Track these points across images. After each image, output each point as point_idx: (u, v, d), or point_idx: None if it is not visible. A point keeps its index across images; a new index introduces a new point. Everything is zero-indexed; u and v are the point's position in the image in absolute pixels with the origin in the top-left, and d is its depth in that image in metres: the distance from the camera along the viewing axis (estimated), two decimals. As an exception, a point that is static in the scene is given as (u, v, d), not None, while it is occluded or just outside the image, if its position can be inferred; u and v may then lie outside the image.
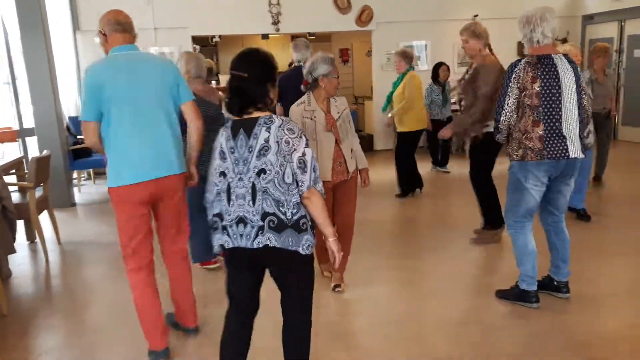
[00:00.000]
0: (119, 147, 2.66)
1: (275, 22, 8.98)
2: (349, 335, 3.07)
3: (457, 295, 3.54)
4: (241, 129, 2.17)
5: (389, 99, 6.27)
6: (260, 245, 2.13)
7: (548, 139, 3.06)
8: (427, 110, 7.02)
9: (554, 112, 3.05)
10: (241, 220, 2.16)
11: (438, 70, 7.31)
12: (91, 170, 7.79)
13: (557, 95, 3.04)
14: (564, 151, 3.07)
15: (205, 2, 8.49)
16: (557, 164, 3.10)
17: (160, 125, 2.73)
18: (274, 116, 2.18)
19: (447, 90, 7.37)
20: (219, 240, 2.24)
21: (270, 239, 2.12)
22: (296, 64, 4.89)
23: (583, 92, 3.14)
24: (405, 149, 6.12)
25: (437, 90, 7.30)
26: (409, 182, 6.23)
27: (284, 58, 12.11)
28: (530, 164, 3.11)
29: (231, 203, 2.17)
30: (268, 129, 2.13)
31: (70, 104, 8.28)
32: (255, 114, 2.18)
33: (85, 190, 7.37)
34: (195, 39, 9.19)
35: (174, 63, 2.95)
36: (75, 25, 8.40)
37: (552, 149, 3.06)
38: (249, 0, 8.81)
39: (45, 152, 4.88)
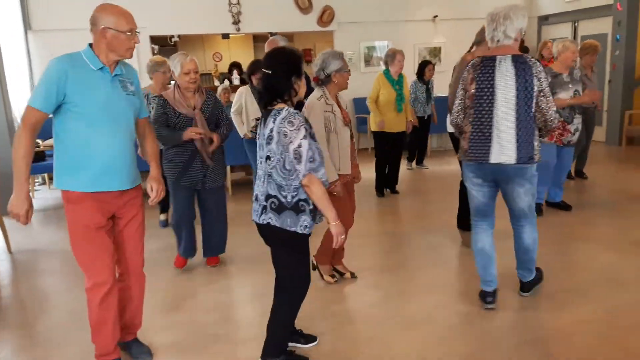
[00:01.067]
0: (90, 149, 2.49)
1: (236, 22, 8.89)
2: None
3: (418, 295, 3.56)
4: (263, 118, 2.49)
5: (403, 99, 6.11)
6: (264, 222, 2.46)
7: (473, 141, 3.06)
8: (410, 107, 7.11)
9: (484, 115, 3.02)
10: (256, 198, 2.53)
11: (424, 69, 7.35)
12: (46, 175, 7.53)
13: (489, 98, 3.00)
14: (484, 155, 3.03)
15: (163, 2, 8.34)
16: (481, 167, 3.09)
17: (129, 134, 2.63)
18: (284, 109, 2.42)
19: (431, 88, 7.44)
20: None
21: (271, 218, 2.44)
22: None
23: (542, 94, 2.97)
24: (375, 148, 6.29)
25: (422, 88, 7.37)
26: (383, 181, 6.32)
27: (246, 58, 12.01)
28: (464, 165, 3.20)
29: (256, 182, 2.55)
30: (274, 120, 2.40)
31: (22, 106, 7.99)
32: (278, 106, 2.44)
33: (40, 195, 7.11)
34: (154, 39, 9.01)
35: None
36: (27, 25, 8.10)
37: (475, 151, 3.07)
38: (209, 0, 8.70)
39: (-7, 157, 4.66)
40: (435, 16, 9.65)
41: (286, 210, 2.41)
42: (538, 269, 3.48)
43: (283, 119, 2.36)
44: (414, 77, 7.39)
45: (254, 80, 4.86)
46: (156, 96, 4.45)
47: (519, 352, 2.78)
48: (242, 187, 6.87)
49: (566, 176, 5.36)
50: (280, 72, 2.46)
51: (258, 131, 2.55)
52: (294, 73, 2.47)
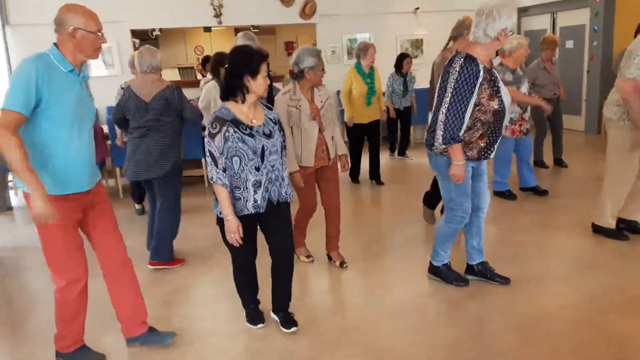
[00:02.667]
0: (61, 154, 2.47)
1: (218, 15, 8.84)
2: (300, 327, 3.08)
3: (404, 284, 3.63)
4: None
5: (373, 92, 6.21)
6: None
7: (491, 144, 3.23)
8: (388, 99, 7.36)
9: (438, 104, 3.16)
10: None
11: (402, 62, 7.39)
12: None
13: (440, 88, 3.14)
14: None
15: (143, -5, 8.26)
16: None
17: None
18: (221, 107, 2.74)
19: (409, 80, 7.50)
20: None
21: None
22: None
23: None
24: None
25: (399, 80, 7.42)
26: (357, 169, 6.48)
27: (228, 51, 11.83)
28: (468, 162, 3.26)
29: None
30: None
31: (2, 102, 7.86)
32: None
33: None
34: (135, 33, 8.91)
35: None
36: (4, 20, 7.96)
37: (491, 150, 3.25)
38: (190, -7, 8.63)
39: (-26, 154, 4.60)
40: (417, 8, 9.70)
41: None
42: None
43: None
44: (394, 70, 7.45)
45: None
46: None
47: (503, 336, 2.86)
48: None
49: (532, 160, 5.66)
50: (233, 71, 2.68)
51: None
52: (246, 72, 2.66)
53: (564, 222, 4.66)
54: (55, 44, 2.50)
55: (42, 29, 7.62)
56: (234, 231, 2.71)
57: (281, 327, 3.04)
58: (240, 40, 4.51)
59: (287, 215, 2.96)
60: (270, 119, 2.85)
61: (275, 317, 3.11)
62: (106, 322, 3.14)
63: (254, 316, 3.12)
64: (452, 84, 3.00)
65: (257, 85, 2.71)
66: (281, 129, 2.89)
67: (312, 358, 2.76)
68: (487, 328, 2.97)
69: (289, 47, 13.13)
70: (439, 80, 3.15)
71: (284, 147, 2.91)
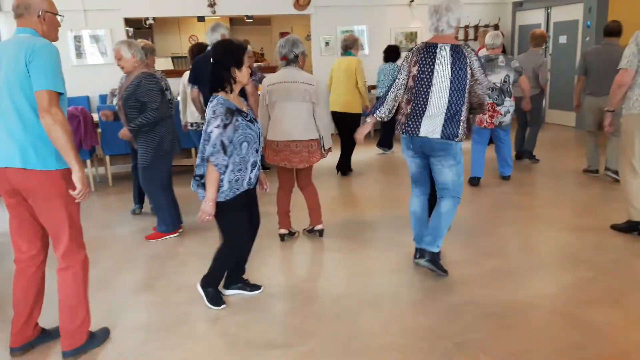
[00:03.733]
0: None
1: (212, 4, 8.83)
2: (276, 315, 3.13)
3: (385, 274, 3.68)
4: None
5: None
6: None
7: (411, 117, 3.38)
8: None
9: (422, 95, 3.32)
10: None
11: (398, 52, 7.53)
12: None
13: (428, 80, 3.29)
14: (416, 130, 3.36)
15: (137, -17, 8.24)
16: (412, 140, 3.43)
17: (7, 114, 2.46)
18: (216, 97, 2.89)
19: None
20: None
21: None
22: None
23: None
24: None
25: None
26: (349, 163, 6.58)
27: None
28: (402, 137, 3.51)
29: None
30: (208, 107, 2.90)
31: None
32: (217, 93, 2.92)
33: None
34: (128, 21, 8.89)
35: (34, 47, 2.42)
36: (-3, 6, 7.95)
37: (410, 126, 3.39)
38: (184, -18, 8.62)
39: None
40: (412, 1, 9.70)
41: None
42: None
43: (211, 105, 2.85)
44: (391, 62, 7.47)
45: None
46: None
47: (478, 325, 2.91)
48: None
49: (511, 153, 5.89)
50: (221, 63, 2.88)
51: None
52: (232, 64, 2.89)
53: (546, 216, 4.72)
54: (29, 29, 2.51)
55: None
56: (211, 213, 2.93)
57: (250, 292, 3.37)
58: (212, 31, 4.61)
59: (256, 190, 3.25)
60: (248, 106, 3.05)
61: (236, 292, 3.37)
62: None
63: (217, 298, 3.24)
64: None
65: (242, 75, 2.95)
66: None
67: (289, 344, 2.81)
68: (462, 317, 3.01)
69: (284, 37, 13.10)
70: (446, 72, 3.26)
71: None
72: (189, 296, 3.40)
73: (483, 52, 5.24)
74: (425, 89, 3.29)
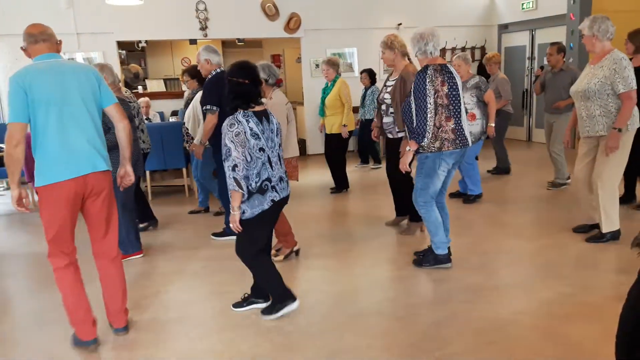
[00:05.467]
0: (46, 147, 2.78)
1: (203, 28, 9.00)
2: (262, 331, 3.19)
3: (370, 290, 3.75)
4: (262, 117, 3.11)
5: (323, 104, 6.63)
6: (289, 192, 3.32)
7: (457, 131, 3.73)
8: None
9: (458, 109, 3.73)
10: (282, 179, 3.22)
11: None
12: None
13: (458, 95, 3.73)
14: (466, 141, 3.81)
15: (130, 7, 8.39)
16: (462, 152, 3.83)
17: (86, 125, 2.90)
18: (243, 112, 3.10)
19: (369, 94, 8.00)
20: (270, 197, 3.12)
21: (289, 189, 3.31)
22: (219, 68, 4.75)
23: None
24: (342, 149, 6.73)
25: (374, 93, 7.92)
26: (343, 180, 6.78)
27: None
28: (445, 153, 3.74)
29: (274, 168, 3.15)
30: (273, 117, 3.21)
31: (-12, 110, 7.94)
32: (259, 108, 3.12)
33: (4, 200, 7.08)
34: (121, 44, 9.05)
35: (95, 70, 3.05)
36: (-9, 29, 8.07)
37: (461, 139, 3.77)
38: (176, 5, 8.79)
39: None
40: (400, 24, 9.92)
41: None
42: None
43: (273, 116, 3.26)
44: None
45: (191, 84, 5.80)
46: None
47: (459, 340, 2.98)
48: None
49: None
50: (256, 81, 3.11)
51: (253, 127, 3.04)
52: (260, 82, 3.17)
53: (527, 234, 4.82)
54: (56, 54, 2.95)
55: (29, 39, 7.76)
56: (237, 220, 3.09)
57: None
58: (204, 52, 4.71)
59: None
60: None
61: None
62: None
63: (289, 294, 3.36)
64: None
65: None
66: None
67: (275, 358, 2.86)
68: (444, 332, 3.08)
69: (276, 60, 13.31)
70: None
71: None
72: (176, 314, 3.45)
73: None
74: (458, 104, 3.71)
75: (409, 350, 2.90)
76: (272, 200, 3.14)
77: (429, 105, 3.61)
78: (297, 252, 4.43)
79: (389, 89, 4.73)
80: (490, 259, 4.24)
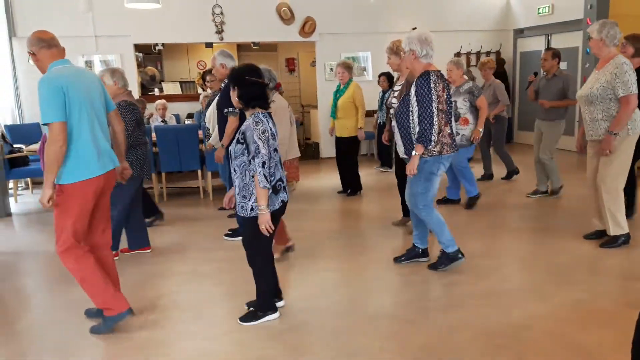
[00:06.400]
0: (80, 146, 2.98)
1: (219, 31, 9.09)
2: (274, 333, 3.21)
3: (382, 293, 3.76)
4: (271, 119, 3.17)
5: (335, 107, 6.60)
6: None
7: (452, 135, 3.88)
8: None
9: (451, 115, 3.86)
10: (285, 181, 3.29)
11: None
12: (29, 180, 7.63)
13: (451, 102, 3.89)
14: (457, 145, 4.02)
15: (147, 10, 8.51)
16: (454, 155, 3.99)
17: (104, 126, 3.20)
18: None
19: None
20: (281, 197, 3.18)
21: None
22: None
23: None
24: (354, 152, 6.69)
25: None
26: (357, 183, 6.77)
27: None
28: (444, 157, 3.85)
29: (282, 169, 3.23)
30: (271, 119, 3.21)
31: (6, 112, 8.10)
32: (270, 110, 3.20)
33: (23, 200, 7.20)
34: (138, 47, 9.17)
35: (98, 76, 3.39)
36: (12, 32, 8.23)
37: (455, 143, 3.93)
38: (193, 9, 8.89)
39: (-24, 161, 4.81)
40: (414, 28, 9.90)
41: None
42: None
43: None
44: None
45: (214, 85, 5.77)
46: None
47: (471, 345, 2.98)
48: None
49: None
50: (266, 84, 3.21)
51: (272, 127, 3.11)
52: (267, 84, 3.28)
53: (542, 238, 4.80)
54: (67, 60, 3.12)
55: (48, 41, 7.91)
56: (269, 220, 3.06)
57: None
58: (220, 57, 4.79)
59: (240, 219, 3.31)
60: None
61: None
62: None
63: (272, 305, 3.39)
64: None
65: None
66: (240, 141, 3.10)
67: (287, 360, 2.89)
68: (456, 336, 3.08)
69: (290, 63, 13.38)
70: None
71: (238, 158, 3.12)
72: (190, 314, 3.49)
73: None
74: (451, 109, 3.84)
75: (422, 353, 2.91)
76: (282, 201, 3.19)
77: (434, 110, 3.67)
78: (290, 249, 4.51)
79: (396, 94, 4.78)
80: (501, 263, 4.23)
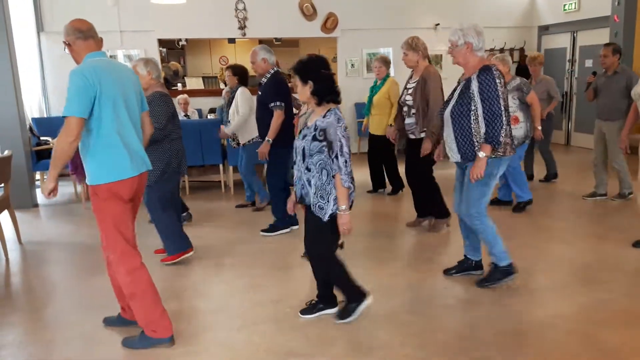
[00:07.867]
0: (112, 144, 2.77)
1: (242, 27, 9.14)
2: (298, 326, 3.24)
3: (404, 291, 3.76)
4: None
5: (370, 103, 6.39)
6: None
7: (512, 135, 3.57)
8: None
9: (509, 113, 3.50)
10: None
11: None
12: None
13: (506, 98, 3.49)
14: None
15: (171, 6, 8.59)
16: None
17: (138, 126, 2.98)
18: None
19: None
20: (351, 197, 3.03)
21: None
22: (274, 68, 4.99)
23: None
24: (389, 150, 6.41)
25: None
26: (397, 181, 6.57)
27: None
28: (505, 159, 3.53)
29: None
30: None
31: (34, 105, 8.26)
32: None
33: (48, 191, 7.34)
34: (162, 42, 9.27)
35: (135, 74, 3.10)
36: (39, 27, 8.39)
37: (514, 143, 3.71)
38: (216, 5, 8.95)
39: (6, 152, 4.91)
40: (437, 24, 9.86)
41: None
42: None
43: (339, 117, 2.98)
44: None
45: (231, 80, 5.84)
46: None
47: (492, 342, 2.97)
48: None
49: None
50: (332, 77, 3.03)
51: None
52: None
53: (567, 237, 4.74)
54: (103, 52, 2.93)
55: (75, 36, 8.05)
56: (350, 220, 2.95)
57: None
58: (262, 51, 4.83)
59: (310, 219, 3.09)
60: (315, 124, 2.96)
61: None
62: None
63: (361, 292, 3.25)
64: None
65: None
66: (318, 138, 2.92)
67: (310, 354, 2.91)
68: (479, 333, 3.08)
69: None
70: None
71: (317, 155, 2.95)
72: (215, 305, 3.54)
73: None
74: (508, 108, 3.45)
75: (443, 349, 2.91)
76: (352, 201, 3.04)
77: (502, 107, 3.33)
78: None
79: (410, 91, 4.73)
80: (524, 261, 4.18)
